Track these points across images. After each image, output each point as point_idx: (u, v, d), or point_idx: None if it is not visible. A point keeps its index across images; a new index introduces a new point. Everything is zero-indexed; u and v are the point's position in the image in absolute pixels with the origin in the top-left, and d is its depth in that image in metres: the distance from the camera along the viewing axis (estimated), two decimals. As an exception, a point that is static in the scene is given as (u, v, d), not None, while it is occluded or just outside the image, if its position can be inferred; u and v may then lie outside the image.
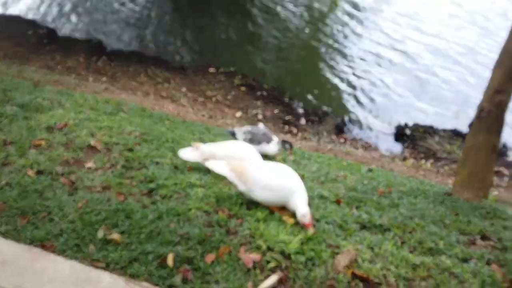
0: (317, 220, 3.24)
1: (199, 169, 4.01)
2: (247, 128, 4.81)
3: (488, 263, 2.96)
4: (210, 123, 7.72)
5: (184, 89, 9.89)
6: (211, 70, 10.81)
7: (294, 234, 2.99)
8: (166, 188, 3.50)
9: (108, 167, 3.88)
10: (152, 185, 3.55)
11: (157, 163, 4.02)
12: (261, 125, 5.40)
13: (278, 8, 14.18)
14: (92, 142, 4.29)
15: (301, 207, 3.09)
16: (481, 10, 15.44)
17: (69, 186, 3.46)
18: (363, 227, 3.31)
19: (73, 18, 13.07)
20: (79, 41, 11.62)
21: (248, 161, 3.48)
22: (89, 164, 3.89)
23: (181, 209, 3.20)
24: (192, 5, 14.20)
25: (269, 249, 2.83)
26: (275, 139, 4.65)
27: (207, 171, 3.86)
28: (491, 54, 12.05)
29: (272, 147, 4.60)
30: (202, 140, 5.12)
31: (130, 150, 4.26)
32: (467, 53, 12.77)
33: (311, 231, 3.01)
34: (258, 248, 2.84)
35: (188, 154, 3.96)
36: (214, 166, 3.43)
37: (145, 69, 10.42)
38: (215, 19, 13.45)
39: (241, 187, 3.31)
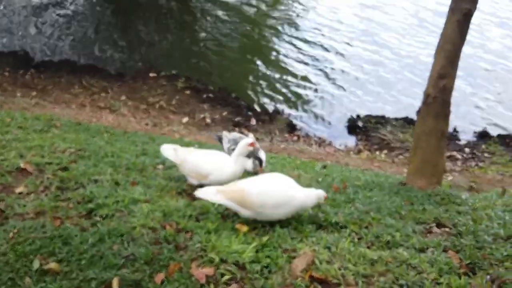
0: (272, 225, 3.11)
1: (143, 183, 3.78)
2: (235, 135, 4.47)
3: (445, 250, 2.95)
4: (155, 131, 7.45)
5: (123, 98, 9.50)
6: (152, 74, 10.46)
7: (248, 242, 2.85)
8: (106, 207, 3.26)
9: (42, 190, 3.60)
10: (91, 205, 3.30)
11: (95, 180, 3.76)
12: (250, 135, 4.90)
13: (216, 7, 14.00)
14: (22, 164, 3.97)
15: (313, 194, 3.09)
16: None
17: (-2, 215, 3.14)
18: (319, 226, 3.22)
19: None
20: (2, 54, 10.86)
21: (239, 183, 3.16)
22: (20, 189, 3.60)
23: (125, 228, 2.98)
24: (124, 8, 13.73)
25: (223, 261, 2.69)
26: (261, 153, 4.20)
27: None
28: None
29: (249, 163, 4.09)
30: (145, 151, 4.88)
31: (65, 169, 3.98)
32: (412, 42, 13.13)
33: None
34: (210, 261, 2.69)
35: (167, 152, 3.79)
36: (205, 195, 3.10)
37: (79, 79, 9.93)
38: (150, 22, 13.11)
39: (246, 213, 3.07)
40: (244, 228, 3.03)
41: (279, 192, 3.05)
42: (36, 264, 2.63)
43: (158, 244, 2.84)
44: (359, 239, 3.06)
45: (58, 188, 3.62)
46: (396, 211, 3.55)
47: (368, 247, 2.95)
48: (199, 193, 3.13)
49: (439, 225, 3.37)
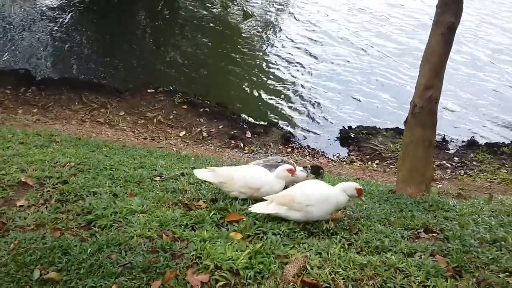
0: (265, 233, 3.21)
1: (141, 194, 3.87)
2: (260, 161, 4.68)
3: (432, 254, 3.03)
4: (152, 145, 7.55)
5: (122, 113, 9.65)
6: (150, 90, 10.63)
7: (241, 249, 2.94)
8: (105, 218, 3.35)
9: (42, 203, 3.68)
10: (90, 217, 3.38)
11: (94, 193, 3.85)
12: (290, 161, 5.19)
13: (207, 25, 14.29)
14: (23, 178, 4.04)
15: (345, 188, 3.40)
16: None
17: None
18: (311, 233, 3.32)
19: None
20: (4, 72, 11.02)
21: (286, 191, 3.58)
22: (21, 202, 3.67)
23: (123, 238, 3.07)
24: (121, 26, 14.03)
25: (217, 267, 2.77)
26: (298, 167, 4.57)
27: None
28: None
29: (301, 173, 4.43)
30: (143, 164, 4.98)
31: (65, 182, 4.06)
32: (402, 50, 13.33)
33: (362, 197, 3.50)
34: (205, 268, 2.77)
35: (203, 174, 3.88)
36: (258, 209, 3.43)
37: (79, 96, 10.07)
38: (146, 39, 13.38)
39: (295, 215, 3.37)
40: (238, 236, 3.12)
41: (318, 191, 3.41)
42: (36, 274, 2.71)
43: (155, 253, 2.92)
44: (349, 244, 3.14)
45: (58, 200, 3.70)
46: (385, 218, 3.65)
47: (358, 252, 3.05)
48: (253, 208, 3.43)
49: (427, 230, 3.46)
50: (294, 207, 3.35)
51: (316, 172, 4.59)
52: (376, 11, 15.58)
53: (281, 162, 4.54)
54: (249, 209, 3.45)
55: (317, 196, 3.35)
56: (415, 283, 2.68)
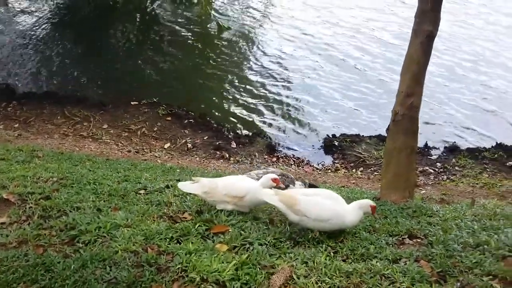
0: (251, 243, 3.20)
1: (125, 208, 3.84)
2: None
3: (417, 260, 3.06)
4: (137, 158, 7.50)
5: (106, 126, 9.57)
6: (133, 102, 10.58)
7: (228, 261, 2.93)
8: (89, 233, 3.31)
9: (24, 220, 3.62)
10: (73, 232, 3.34)
11: (78, 208, 3.80)
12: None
13: (185, 38, 14.42)
14: (5, 195, 3.98)
15: (362, 206, 3.39)
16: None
17: (-20, 247, 3.17)
18: (297, 243, 3.32)
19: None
20: (-17, 88, 10.88)
21: (294, 192, 3.68)
22: (2, 219, 3.61)
23: (107, 253, 3.03)
24: (101, 40, 14.07)
25: (203, 280, 2.76)
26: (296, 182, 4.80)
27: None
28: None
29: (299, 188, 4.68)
30: (127, 177, 4.95)
31: (48, 198, 4.01)
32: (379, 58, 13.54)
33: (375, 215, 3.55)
34: (191, 281, 2.76)
35: (187, 187, 3.88)
36: (266, 196, 3.53)
37: (61, 110, 9.96)
38: (126, 53, 13.46)
39: (293, 218, 3.41)
40: (224, 248, 3.11)
41: (324, 207, 3.39)
42: (19, 292, 2.64)
43: (140, 267, 2.89)
44: (335, 253, 3.16)
45: (41, 216, 3.64)
46: (370, 225, 3.68)
47: (344, 260, 3.06)
48: (263, 192, 3.56)
49: (411, 236, 3.49)
50: (294, 210, 3.39)
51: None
52: (352, 23, 15.82)
53: (280, 175, 4.70)
54: (262, 191, 3.57)
55: (319, 211, 3.35)
56: (400, 289, 2.70)
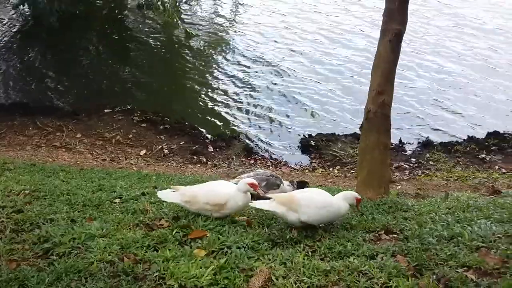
0: (229, 247, 3.19)
1: (100, 218, 3.78)
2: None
3: (393, 255, 3.10)
4: (112, 166, 7.40)
5: (79, 135, 9.41)
6: (107, 110, 10.43)
7: (206, 266, 2.91)
8: (63, 245, 3.24)
9: (-4, 234, 3.51)
10: (47, 245, 3.26)
11: (51, 220, 3.72)
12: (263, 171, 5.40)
13: (154, 46, 14.44)
14: (-26, 210, 3.86)
15: (347, 197, 3.56)
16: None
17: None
18: (275, 244, 3.32)
19: None
20: None
21: (289, 193, 3.80)
22: (-27, 235, 3.49)
23: (82, 264, 2.97)
24: (71, 49, 13.89)
25: (181, 286, 2.73)
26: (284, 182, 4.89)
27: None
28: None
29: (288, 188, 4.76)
30: (102, 187, 4.87)
31: (20, 211, 3.92)
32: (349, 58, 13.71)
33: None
34: (169, 288, 2.72)
35: (167, 195, 3.82)
36: (260, 205, 3.61)
37: (33, 121, 9.76)
38: (96, 62, 13.37)
39: (293, 216, 3.46)
40: (202, 253, 3.08)
41: (319, 197, 3.57)
42: (-8, 309, 2.60)
43: (117, 277, 2.84)
44: (313, 252, 3.18)
45: (13, 230, 3.55)
46: (347, 222, 3.71)
47: (322, 259, 3.07)
48: (254, 203, 3.63)
49: (388, 231, 3.53)
50: (293, 208, 3.43)
51: (302, 186, 4.87)
52: (318, 27, 16.02)
53: (270, 176, 4.82)
54: (250, 204, 3.63)
55: (317, 201, 3.47)
56: (378, 285, 2.73)
